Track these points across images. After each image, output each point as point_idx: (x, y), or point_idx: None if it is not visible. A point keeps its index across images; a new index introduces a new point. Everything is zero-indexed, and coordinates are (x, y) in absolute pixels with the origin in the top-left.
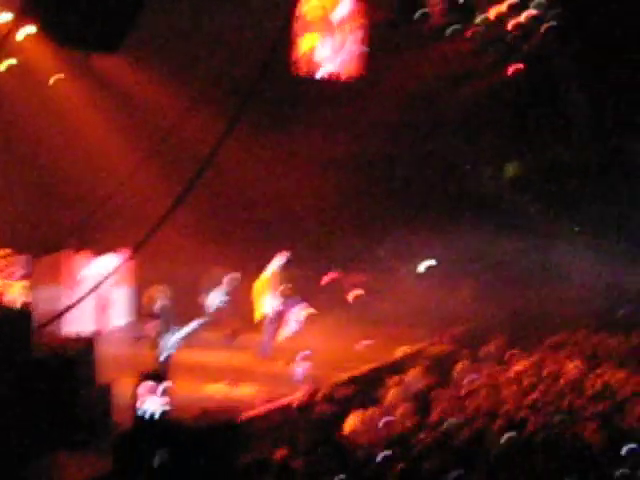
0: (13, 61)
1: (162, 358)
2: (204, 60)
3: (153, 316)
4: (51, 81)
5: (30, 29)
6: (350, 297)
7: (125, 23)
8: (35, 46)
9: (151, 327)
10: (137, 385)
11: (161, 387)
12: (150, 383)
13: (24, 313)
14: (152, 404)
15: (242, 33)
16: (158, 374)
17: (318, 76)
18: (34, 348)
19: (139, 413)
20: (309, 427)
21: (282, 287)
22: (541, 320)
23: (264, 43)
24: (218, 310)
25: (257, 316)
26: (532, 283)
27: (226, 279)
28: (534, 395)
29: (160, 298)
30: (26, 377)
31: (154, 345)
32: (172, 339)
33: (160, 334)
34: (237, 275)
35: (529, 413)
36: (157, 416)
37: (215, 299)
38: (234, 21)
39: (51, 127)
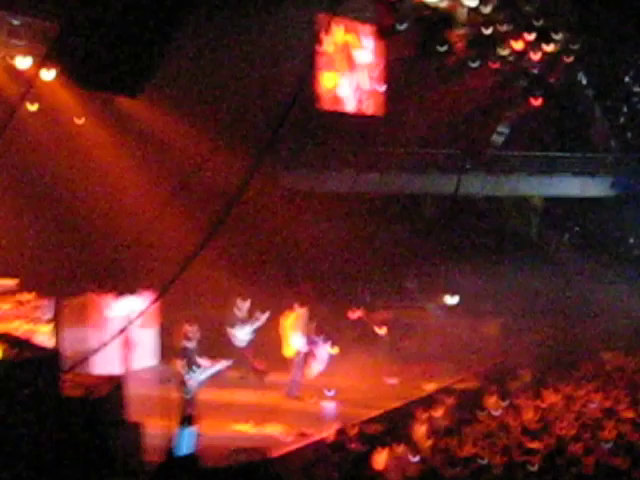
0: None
1: (188, 397)
2: (228, 99)
3: (180, 356)
4: (79, 122)
5: (53, 73)
6: (378, 333)
7: (147, 68)
8: (59, 88)
9: (177, 367)
10: (169, 427)
11: (193, 430)
12: (182, 426)
13: (53, 354)
14: (185, 447)
15: (265, 72)
16: (190, 417)
17: (342, 112)
18: (64, 389)
19: (173, 455)
20: (340, 464)
21: (309, 324)
22: (570, 353)
23: (288, 81)
24: (245, 347)
25: (287, 353)
26: (561, 316)
27: (257, 315)
28: (565, 428)
29: (187, 338)
30: (57, 418)
31: (181, 384)
32: (197, 378)
33: (186, 373)
34: (267, 313)
35: (561, 446)
36: (190, 458)
37: (243, 334)
38: (257, 60)
39: (76, 169)
